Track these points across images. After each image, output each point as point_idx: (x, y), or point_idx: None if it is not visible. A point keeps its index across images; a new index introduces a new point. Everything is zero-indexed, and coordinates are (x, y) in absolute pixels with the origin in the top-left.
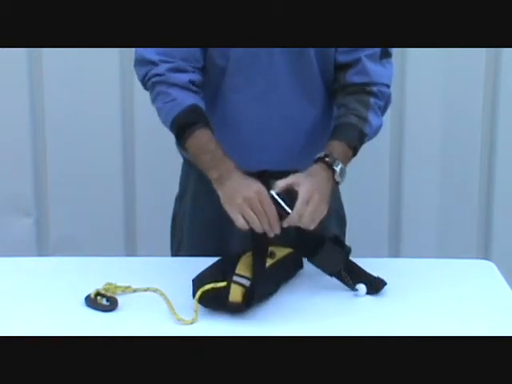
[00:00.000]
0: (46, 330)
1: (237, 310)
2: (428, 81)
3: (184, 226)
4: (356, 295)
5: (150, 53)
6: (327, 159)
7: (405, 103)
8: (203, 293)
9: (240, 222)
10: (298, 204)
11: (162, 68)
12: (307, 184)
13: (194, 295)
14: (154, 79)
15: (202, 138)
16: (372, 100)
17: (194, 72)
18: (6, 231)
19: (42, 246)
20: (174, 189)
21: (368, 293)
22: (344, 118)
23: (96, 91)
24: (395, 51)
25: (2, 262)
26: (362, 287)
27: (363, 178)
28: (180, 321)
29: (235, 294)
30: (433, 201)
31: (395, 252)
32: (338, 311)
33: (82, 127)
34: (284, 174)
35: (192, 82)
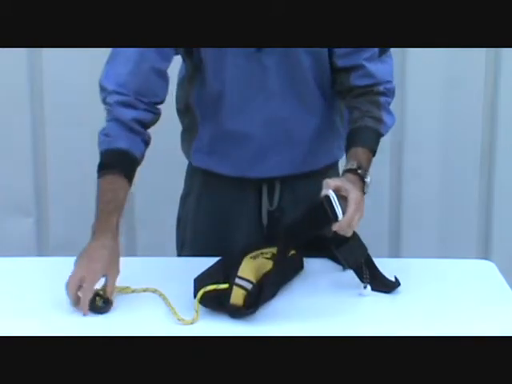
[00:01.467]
0: (46, 330)
1: (237, 313)
2: (428, 81)
3: (187, 227)
4: (360, 294)
5: (108, 81)
6: (360, 171)
7: (405, 103)
8: (204, 293)
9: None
10: (350, 211)
11: (112, 99)
12: (357, 192)
13: (195, 295)
14: (105, 107)
15: (107, 184)
16: (382, 99)
17: (144, 110)
18: (6, 231)
19: (42, 245)
20: (175, 189)
21: (381, 291)
22: (360, 121)
23: (96, 91)
24: (395, 50)
25: (2, 262)
26: (368, 288)
27: None
28: (180, 321)
29: (236, 297)
30: (433, 201)
31: (395, 252)
32: (337, 311)
33: (81, 127)
34: (289, 179)
35: (137, 121)
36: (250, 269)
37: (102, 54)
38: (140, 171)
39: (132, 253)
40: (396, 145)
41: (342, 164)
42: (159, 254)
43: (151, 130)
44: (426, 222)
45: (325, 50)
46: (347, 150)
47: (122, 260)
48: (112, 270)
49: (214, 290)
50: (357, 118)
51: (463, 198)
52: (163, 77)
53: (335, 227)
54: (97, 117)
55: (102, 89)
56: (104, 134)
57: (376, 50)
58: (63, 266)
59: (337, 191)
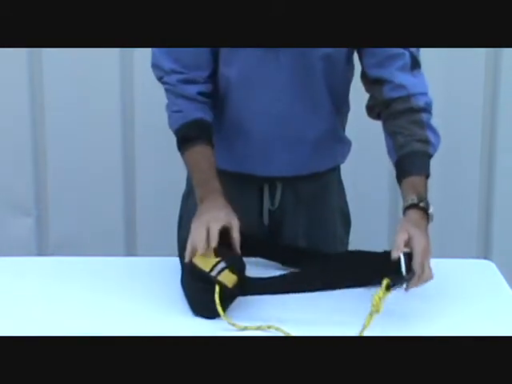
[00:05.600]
0: (46, 330)
1: (236, 294)
2: (428, 81)
3: (188, 226)
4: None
5: (162, 60)
6: (421, 204)
7: None
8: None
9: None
10: (417, 267)
11: (172, 78)
12: (421, 240)
13: (193, 309)
14: (165, 86)
15: (197, 154)
16: (424, 116)
17: (204, 83)
18: (6, 231)
19: (41, 246)
20: (174, 188)
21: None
22: (407, 146)
23: (96, 91)
24: None
25: (2, 262)
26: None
27: (364, 177)
28: (232, 325)
29: (229, 280)
30: (433, 201)
31: None
32: (337, 311)
33: (81, 127)
34: (291, 180)
35: (201, 94)
36: (205, 258)
37: (102, 53)
38: (141, 171)
39: (132, 253)
40: None
41: (343, 168)
42: (159, 254)
43: (152, 130)
44: None
45: (339, 56)
46: (400, 179)
47: (123, 260)
48: (233, 219)
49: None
50: (402, 143)
51: (463, 198)
52: (210, 50)
53: (411, 285)
54: (97, 117)
55: (158, 68)
56: (175, 110)
57: (408, 61)
58: (63, 266)
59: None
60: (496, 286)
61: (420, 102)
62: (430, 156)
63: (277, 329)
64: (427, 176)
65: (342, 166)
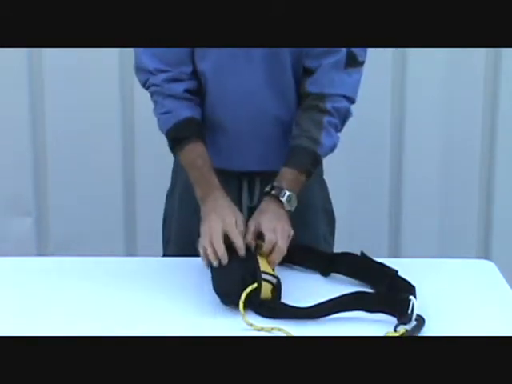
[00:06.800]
0: (46, 330)
1: (266, 306)
2: (428, 81)
3: (172, 223)
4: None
5: (147, 61)
6: (273, 192)
7: (405, 104)
8: (246, 296)
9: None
10: (268, 239)
11: (158, 78)
12: (267, 222)
13: (223, 300)
14: (151, 89)
15: (191, 152)
16: (325, 119)
17: (189, 79)
18: (6, 231)
19: (41, 245)
20: None
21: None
22: (298, 139)
23: (96, 91)
24: (396, 51)
25: (2, 262)
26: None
27: (363, 177)
28: (250, 326)
29: (266, 292)
30: (433, 201)
31: (395, 252)
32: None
33: (81, 127)
34: (269, 176)
35: (188, 91)
36: (266, 263)
37: (102, 53)
38: (141, 170)
39: (132, 253)
40: (396, 145)
41: (342, 168)
42: (159, 254)
43: (152, 130)
44: (426, 222)
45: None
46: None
47: (123, 260)
48: (238, 215)
49: (250, 291)
50: (295, 135)
51: (463, 198)
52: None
53: (270, 257)
54: (97, 116)
55: (143, 70)
56: (163, 112)
57: (342, 58)
58: (63, 266)
59: (257, 232)
60: (496, 286)
61: (328, 105)
62: (317, 155)
63: (279, 329)
64: (306, 172)
65: (341, 167)
